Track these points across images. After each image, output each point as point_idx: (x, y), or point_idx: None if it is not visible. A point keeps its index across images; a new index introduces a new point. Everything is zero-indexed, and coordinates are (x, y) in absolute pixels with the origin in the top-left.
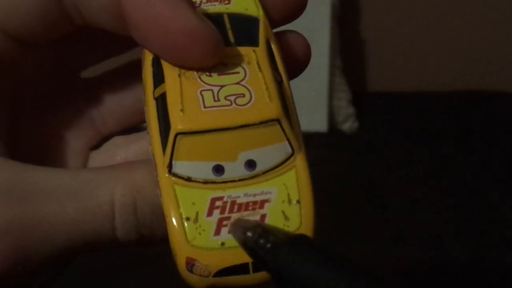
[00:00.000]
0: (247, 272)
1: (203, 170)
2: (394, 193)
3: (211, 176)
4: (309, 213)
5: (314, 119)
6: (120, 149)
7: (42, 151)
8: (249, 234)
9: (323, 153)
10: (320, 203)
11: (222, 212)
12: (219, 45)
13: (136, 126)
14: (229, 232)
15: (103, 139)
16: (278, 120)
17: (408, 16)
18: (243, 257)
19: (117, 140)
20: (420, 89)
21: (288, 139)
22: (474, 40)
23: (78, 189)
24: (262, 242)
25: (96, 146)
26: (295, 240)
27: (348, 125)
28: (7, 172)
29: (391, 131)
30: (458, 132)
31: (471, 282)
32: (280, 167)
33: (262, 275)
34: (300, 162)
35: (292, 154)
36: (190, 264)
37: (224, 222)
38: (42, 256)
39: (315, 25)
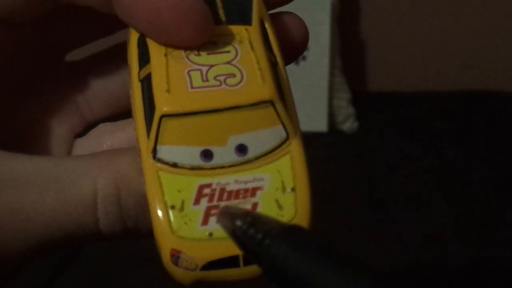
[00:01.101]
0: (237, 265)
1: (190, 155)
2: (394, 193)
3: (199, 162)
4: (304, 202)
5: (314, 119)
6: (106, 137)
7: (24, 138)
8: (238, 223)
9: (323, 153)
10: (320, 203)
11: (210, 200)
12: (209, 22)
13: (123, 113)
14: (217, 221)
15: (89, 126)
16: (271, 102)
17: (408, 16)
18: (233, 249)
19: (104, 127)
20: (420, 89)
21: (282, 123)
22: (474, 40)
23: (59, 178)
24: (252, 233)
25: (82, 133)
26: (288, 231)
27: (348, 125)
28: None
29: (391, 131)
30: (458, 132)
31: (471, 282)
32: (274, 153)
33: (254, 269)
34: (295, 147)
35: (287, 139)
36: (175, 256)
37: (212, 211)
38: (19, 249)
39: (315, 25)
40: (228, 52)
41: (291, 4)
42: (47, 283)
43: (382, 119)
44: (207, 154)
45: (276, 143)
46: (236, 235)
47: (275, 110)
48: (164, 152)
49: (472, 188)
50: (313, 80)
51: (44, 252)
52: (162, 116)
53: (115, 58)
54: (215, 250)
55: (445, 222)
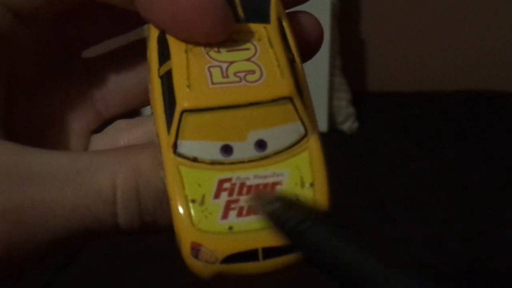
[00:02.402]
0: (257, 259)
1: (210, 150)
2: (394, 193)
3: (219, 157)
4: (323, 197)
5: None
6: (123, 133)
7: (41, 133)
8: (274, 206)
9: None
10: None
11: (230, 194)
12: (229, 19)
13: (139, 110)
14: (251, 204)
15: (105, 122)
16: (290, 98)
17: (408, 16)
18: (252, 243)
19: (120, 124)
20: (420, 89)
21: (301, 119)
22: (474, 40)
23: (78, 173)
24: (288, 216)
25: (98, 129)
26: (325, 216)
27: (348, 125)
28: (3, 154)
29: (391, 131)
30: (458, 132)
31: (471, 282)
32: (293, 148)
33: (273, 262)
34: (313, 143)
35: (306, 135)
36: (196, 249)
37: (232, 205)
38: (40, 242)
39: None
40: (248, 49)
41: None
42: (47, 283)
43: (382, 119)
44: (227, 149)
45: (294, 139)
46: (271, 218)
47: (294, 106)
48: (185, 147)
49: (472, 188)
50: (313, 80)
51: (63, 245)
52: (183, 112)
53: (131, 56)
54: (235, 243)
55: (445, 222)
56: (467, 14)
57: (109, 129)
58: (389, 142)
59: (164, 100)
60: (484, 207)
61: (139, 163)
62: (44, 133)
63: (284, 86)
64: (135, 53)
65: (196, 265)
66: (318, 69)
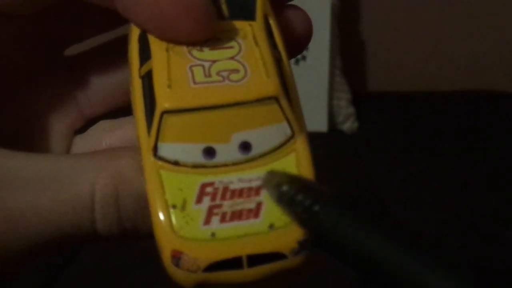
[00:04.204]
0: (241, 267)
1: (192, 153)
2: (394, 193)
3: (201, 160)
4: None
5: (314, 119)
6: (106, 134)
7: (22, 134)
8: (284, 188)
9: (323, 153)
10: None
11: (213, 199)
12: (211, 17)
13: (123, 109)
14: (262, 186)
15: (88, 122)
16: (276, 98)
17: (408, 16)
18: (236, 250)
19: (103, 124)
20: (420, 89)
21: (287, 120)
22: (474, 40)
23: (56, 178)
24: (300, 198)
25: (82, 129)
26: (338, 198)
27: (348, 125)
28: None
29: (391, 131)
30: (458, 132)
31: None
32: (279, 150)
33: (259, 270)
34: (300, 145)
35: (292, 136)
36: (177, 257)
37: (215, 211)
38: (15, 249)
39: (315, 25)
40: (232, 47)
41: (291, 3)
42: (47, 283)
43: (382, 119)
44: (209, 152)
45: (280, 141)
46: (283, 199)
47: (280, 106)
48: (165, 149)
49: (472, 188)
50: (313, 80)
51: (40, 252)
52: (163, 113)
53: (114, 54)
54: (217, 251)
55: (445, 222)
56: (467, 14)
57: (92, 130)
58: (389, 142)
59: (145, 101)
60: (484, 207)
61: (120, 168)
62: (25, 133)
63: (269, 85)
64: (118, 51)
65: (177, 274)
66: (318, 69)
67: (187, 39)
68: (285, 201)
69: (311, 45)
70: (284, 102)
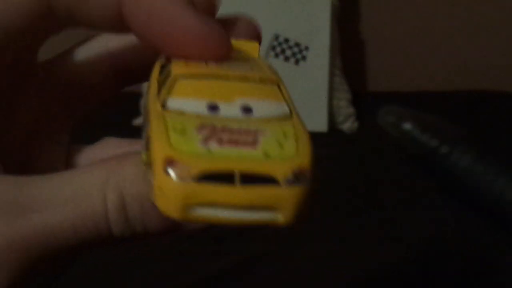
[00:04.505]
0: (233, 182)
1: (197, 106)
2: (394, 193)
3: (205, 112)
4: (306, 147)
5: (314, 119)
6: (114, 149)
7: (24, 151)
8: (407, 126)
9: (323, 153)
10: (320, 202)
11: (211, 132)
12: (226, 46)
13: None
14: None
15: (81, 121)
16: (277, 85)
17: (408, 16)
18: (230, 164)
19: (111, 140)
20: (420, 89)
21: (287, 103)
22: (474, 40)
23: (73, 194)
24: (425, 139)
25: (73, 130)
26: (469, 140)
27: (348, 125)
28: (4, 188)
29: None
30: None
31: (471, 282)
32: (278, 119)
33: (249, 191)
34: (298, 122)
35: (291, 116)
36: (169, 164)
37: (214, 137)
38: (47, 262)
39: (315, 25)
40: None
41: (292, 3)
42: (47, 283)
43: None
44: (213, 107)
45: (280, 113)
46: (405, 137)
47: (280, 91)
48: (173, 102)
49: (472, 188)
50: (313, 80)
51: (69, 261)
52: (176, 76)
53: (82, 51)
54: (211, 162)
55: (445, 222)
56: (467, 14)
57: (100, 143)
58: (389, 142)
59: (159, 85)
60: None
61: (123, 174)
62: (26, 150)
63: (272, 75)
64: (86, 48)
65: (166, 183)
66: (318, 69)
67: (201, 56)
68: (407, 139)
69: (311, 45)
70: (284, 90)
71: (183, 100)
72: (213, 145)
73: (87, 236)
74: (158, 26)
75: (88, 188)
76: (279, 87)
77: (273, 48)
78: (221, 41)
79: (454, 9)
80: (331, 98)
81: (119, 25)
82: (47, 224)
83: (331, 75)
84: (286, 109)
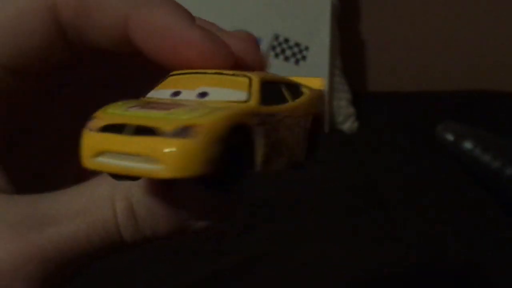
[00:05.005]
0: (121, 132)
1: (163, 94)
2: (394, 193)
3: (166, 97)
4: (216, 114)
5: None
6: None
7: (42, 168)
8: (467, 145)
9: (323, 153)
10: (320, 202)
11: (144, 104)
12: (230, 57)
13: None
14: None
15: None
16: (250, 78)
17: (408, 17)
18: (127, 120)
19: None
20: (420, 89)
21: (249, 92)
22: (474, 40)
23: (85, 206)
24: (487, 159)
25: None
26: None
27: (348, 125)
28: (17, 207)
29: (391, 131)
30: None
31: (471, 282)
32: (228, 102)
33: (134, 140)
34: (244, 105)
35: (247, 101)
36: (89, 119)
37: (142, 106)
38: (65, 272)
39: (315, 25)
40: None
41: (292, 3)
42: None
43: (382, 119)
44: (176, 93)
45: (233, 99)
46: (464, 158)
47: (250, 83)
48: (150, 93)
49: (472, 188)
50: None
51: (86, 267)
52: (169, 75)
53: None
54: (117, 118)
55: (445, 222)
56: (467, 14)
57: None
58: (389, 142)
59: None
60: (484, 207)
61: (129, 183)
62: (45, 166)
63: (253, 75)
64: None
65: (84, 134)
66: (318, 69)
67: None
68: (468, 159)
69: (311, 45)
70: (255, 84)
71: (157, 90)
72: (134, 109)
73: (100, 244)
74: (163, 43)
75: (97, 199)
76: (250, 80)
77: (273, 48)
78: (226, 56)
79: (454, 9)
80: (331, 98)
81: (126, 44)
82: (61, 235)
83: (331, 75)
84: (244, 96)
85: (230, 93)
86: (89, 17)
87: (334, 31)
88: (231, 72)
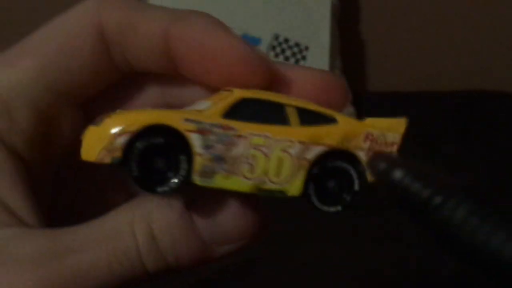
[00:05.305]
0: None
1: (201, 105)
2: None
3: (196, 107)
4: (138, 114)
5: None
6: None
7: (84, 206)
8: (398, 174)
9: None
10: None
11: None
12: (273, 69)
13: None
14: (368, 166)
15: None
16: (232, 92)
17: (408, 17)
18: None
19: None
20: (420, 89)
21: (214, 103)
22: (474, 40)
23: (105, 234)
24: (417, 187)
25: None
26: (466, 190)
27: None
28: (42, 238)
29: None
30: (458, 132)
31: (471, 282)
32: (190, 110)
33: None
34: (188, 111)
35: (204, 110)
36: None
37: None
38: None
39: (315, 25)
40: None
41: (291, 3)
42: None
43: None
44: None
45: (198, 108)
46: (393, 189)
47: (224, 97)
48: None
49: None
50: None
51: None
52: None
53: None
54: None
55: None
56: (467, 14)
57: None
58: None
59: None
60: None
61: (148, 209)
62: (86, 205)
63: (239, 90)
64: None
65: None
66: None
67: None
68: (397, 188)
69: (311, 45)
70: (231, 97)
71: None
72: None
73: (122, 273)
74: (206, 55)
75: (117, 228)
76: (228, 95)
77: (273, 48)
78: (269, 70)
79: (454, 9)
80: None
81: (167, 63)
82: (82, 265)
83: None
84: (206, 106)
85: (204, 103)
86: (132, 30)
87: (334, 31)
88: (233, 89)
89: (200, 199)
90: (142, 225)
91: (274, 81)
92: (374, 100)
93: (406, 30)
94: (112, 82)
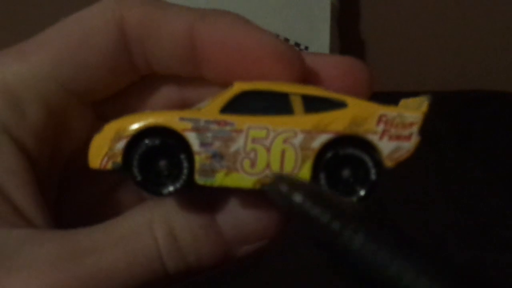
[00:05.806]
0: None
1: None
2: (394, 193)
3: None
4: (137, 117)
5: None
6: None
7: (93, 207)
8: (297, 198)
9: None
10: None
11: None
12: (303, 63)
13: None
14: (268, 189)
15: None
16: (232, 86)
17: (408, 17)
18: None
19: None
20: (420, 89)
21: (212, 100)
22: (474, 40)
23: (123, 235)
24: (316, 212)
25: None
26: (362, 215)
27: None
28: (54, 241)
29: None
30: (458, 132)
31: (472, 283)
32: (193, 109)
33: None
34: (183, 111)
35: (201, 108)
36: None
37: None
38: None
39: (315, 25)
40: None
41: (292, 3)
42: None
43: None
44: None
45: (199, 106)
46: (293, 212)
47: (222, 95)
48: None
49: (472, 188)
50: None
51: None
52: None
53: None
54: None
55: (445, 222)
56: (467, 14)
57: None
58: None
59: None
60: (484, 207)
61: (168, 208)
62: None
63: (241, 83)
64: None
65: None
66: None
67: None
68: (297, 213)
69: (311, 45)
70: (230, 91)
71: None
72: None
73: (142, 274)
74: (237, 52)
75: (136, 228)
76: (227, 90)
77: None
78: (303, 64)
79: (454, 9)
80: None
81: (188, 63)
82: (101, 266)
83: None
84: (204, 104)
85: (206, 101)
86: (155, 28)
87: (334, 31)
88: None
89: (221, 198)
90: (162, 225)
91: (305, 73)
92: (374, 100)
93: (406, 30)
94: (129, 83)
